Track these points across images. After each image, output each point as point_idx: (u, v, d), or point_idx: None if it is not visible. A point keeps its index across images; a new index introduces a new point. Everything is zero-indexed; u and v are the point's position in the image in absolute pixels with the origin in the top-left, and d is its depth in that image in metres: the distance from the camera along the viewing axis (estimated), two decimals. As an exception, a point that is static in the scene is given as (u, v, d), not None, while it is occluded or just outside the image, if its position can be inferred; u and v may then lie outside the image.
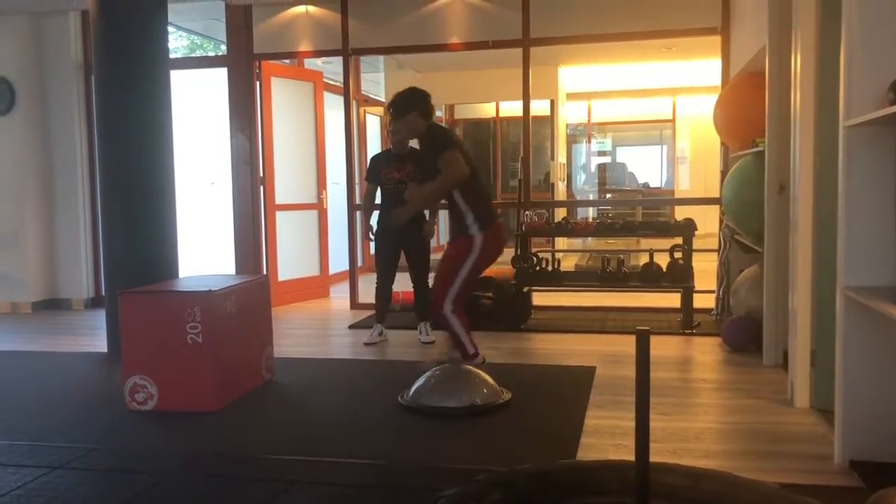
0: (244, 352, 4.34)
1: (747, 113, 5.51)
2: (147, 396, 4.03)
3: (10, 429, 3.80)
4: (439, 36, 6.94)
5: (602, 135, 15.44)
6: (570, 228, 6.44)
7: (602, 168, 13.71)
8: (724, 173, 6.53)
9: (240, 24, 7.18)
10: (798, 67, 3.90)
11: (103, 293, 7.56)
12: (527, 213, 6.42)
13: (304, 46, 7.24)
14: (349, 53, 7.11)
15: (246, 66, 7.24)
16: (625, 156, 15.39)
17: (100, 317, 7.10)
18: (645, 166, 15.14)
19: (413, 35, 6.96)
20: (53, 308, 7.57)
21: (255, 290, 4.48)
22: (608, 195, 13.73)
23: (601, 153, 15.39)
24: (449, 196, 4.42)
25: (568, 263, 9.19)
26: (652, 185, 14.71)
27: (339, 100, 8.60)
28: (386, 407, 4.07)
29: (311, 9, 7.12)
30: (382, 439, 3.64)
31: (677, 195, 13.93)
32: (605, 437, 3.54)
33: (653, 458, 3.23)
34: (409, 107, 4.49)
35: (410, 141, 5.15)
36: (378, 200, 5.74)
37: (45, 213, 7.58)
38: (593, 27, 6.70)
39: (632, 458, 3.22)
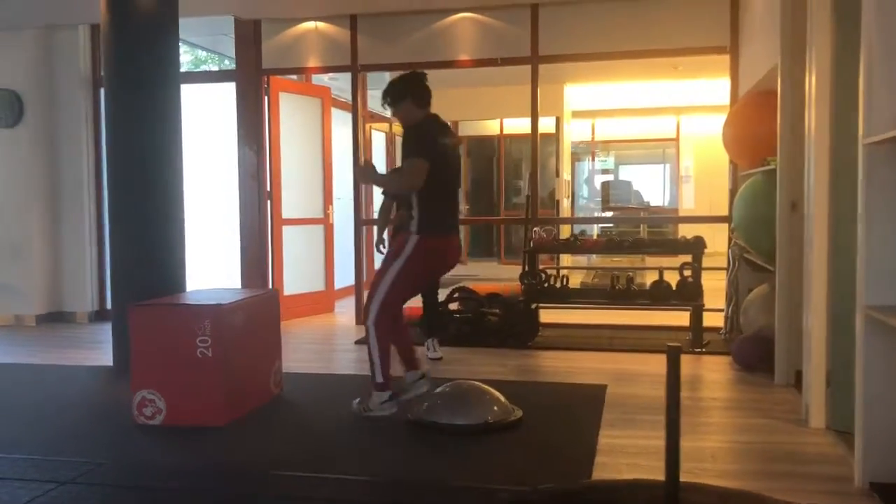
0: (253, 366, 4.31)
1: (757, 131, 5.51)
2: (155, 411, 3.99)
3: (15, 442, 3.76)
4: (448, 53, 6.95)
5: (605, 153, 15.45)
6: (579, 245, 6.41)
7: (606, 185, 13.70)
8: (733, 192, 6.53)
9: (249, 39, 7.20)
10: (813, 86, 3.89)
11: (108, 307, 7.59)
12: (535, 229, 6.40)
13: (312, 62, 7.25)
14: (358, 69, 7.12)
15: (254, 80, 7.24)
16: (627, 174, 15.39)
17: (104, 330, 7.04)
18: (648, 184, 15.14)
19: (422, 52, 6.97)
20: (57, 321, 7.53)
21: (264, 305, 4.45)
22: (610, 213, 13.72)
23: (605, 171, 15.40)
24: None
25: (573, 281, 9.16)
26: (654, 203, 14.70)
27: (345, 115, 8.62)
28: (395, 423, 4.02)
29: (321, 24, 7.14)
30: (393, 456, 3.60)
31: (681, 213, 13.95)
32: (618, 456, 3.50)
33: (631, 475, 3.22)
34: (401, 94, 4.10)
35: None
36: (393, 215, 5.73)
37: (51, 226, 7.56)
38: (602, 45, 6.71)
39: (647, 476, 3.19)
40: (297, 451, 3.64)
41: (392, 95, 4.12)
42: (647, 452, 3.55)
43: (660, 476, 3.31)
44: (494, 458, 3.53)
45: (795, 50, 4.51)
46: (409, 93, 4.08)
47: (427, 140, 4.01)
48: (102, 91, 7.44)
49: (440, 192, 4.06)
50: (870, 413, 3.04)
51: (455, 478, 3.25)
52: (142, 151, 5.27)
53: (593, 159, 15.11)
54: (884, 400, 3.02)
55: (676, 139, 14.20)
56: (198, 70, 8.66)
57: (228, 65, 9.95)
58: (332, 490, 3.11)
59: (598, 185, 14.81)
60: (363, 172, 4.42)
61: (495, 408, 4.01)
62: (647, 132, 14.51)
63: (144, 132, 5.27)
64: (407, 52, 7.02)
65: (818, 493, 3.09)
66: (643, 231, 11.00)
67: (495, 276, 10.82)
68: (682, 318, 6.38)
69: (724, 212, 11.43)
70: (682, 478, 3.23)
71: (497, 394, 4.10)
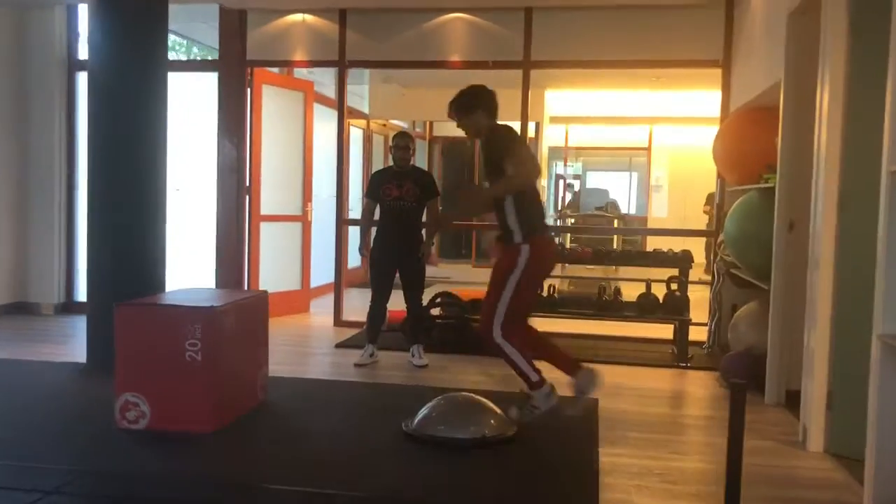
0: (242, 371, 4.16)
1: (750, 147, 5.51)
2: (139, 415, 3.82)
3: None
4: (439, 53, 6.84)
5: (575, 158, 15.47)
6: (568, 255, 6.35)
7: (576, 195, 13.69)
8: (720, 206, 6.53)
9: (234, 29, 7.00)
10: (825, 105, 3.86)
11: (76, 299, 7.35)
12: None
13: (298, 55, 7.08)
14: (346, 65, 6.97)
15: (238, 72, 7.05)
16: (594, 180, 15.46)
17: (73, 323, 6.85)
18: (615, 191, 15.21)
19: (412, 50, 6.85)
20: (21, 312, 7.24)
21: (254, 307, 4.30)
22: (572, 222, 13.69)
23: (575, 176, 15.43)
24: (499, 201, 3.97)
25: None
26: (623, 210, 14.74)
27: (322, 109, 8.47)
28: (388, 434, 3.91)
29: (308, 17, 6.97)
30: (389, 471, 3.48)
31: (650, 222, 14.04)
32: (623, 477, 3.43)
33: (639, 498, 3.16)
34: (474, 104, 4.12)
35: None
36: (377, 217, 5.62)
37: (18, 214, 7.27)
38: (595, 53, 6.65)
39: (654, 500, 3.13)
40: (288, 463, 3.49)
41: (465, 104, 4.13)
42: (651, 473, 3.49)
43: (668, 500, 3.27)
44: (495, 475, 3.44)
45: (799, 68, 4.50)
46: (482, 103, 4.11)
47: (513, 135, 4.06)
48: (79, 75, 7.28)
49: (533, 195, 4.03)
50: (882, 441, 3.01)
51: (456, 499, 3.15)
52: (126, 141, 5.08)
53: (566, 164, 15.12)
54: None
55: (648, 148, 14.27)
56: (180, 59, 8.38)
57: (197, 53, 9.71)
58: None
59: (568, 192, 14.83)
60: (470, 198, 4.39)
61: (492, 421, 3.92)
62: (620, 140, 14.56)
63: (129, 121, 5.09)
64: (396, 49, 6.89)
65: (825, 521, 3.06)
66: (615, 242, 10.97)
67: (468, 279, 10.71)
68: (663, 330, 6.37)
69: (698, 221, 11.66)
70: (645, 499, 3.19)
71: (493, 406, 4.01)
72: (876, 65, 3.33)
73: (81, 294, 7.34)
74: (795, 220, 4.61)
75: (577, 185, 14.03)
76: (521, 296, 3.96)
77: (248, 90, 7.13)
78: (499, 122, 4.14)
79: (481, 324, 4.04)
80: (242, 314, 4.10)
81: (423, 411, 3.97)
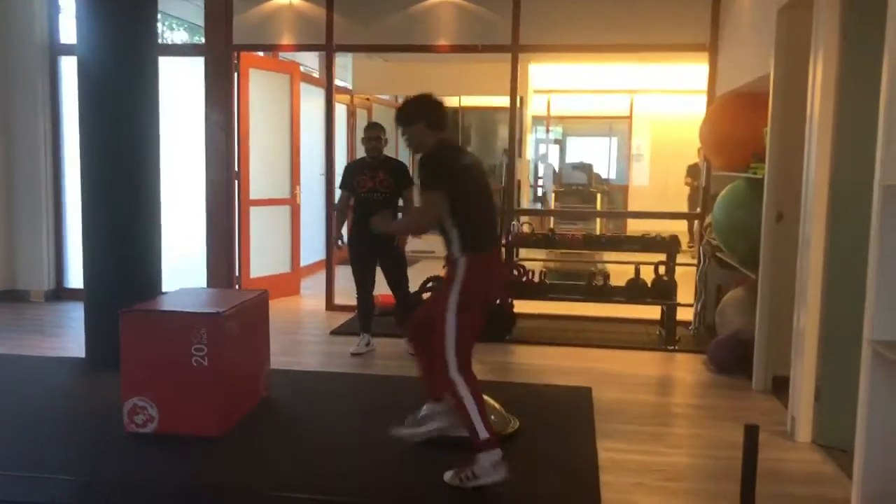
0: (246, 371, 4.23)
1: (737, 133, 5.59)
2: (147, 419, 3.89)
3: (-1, 453, 3.63)
4: (427, 37, 6.82)
5: (555, 125, 15.50)
6: (557, 240, 6.44)
7: (558, 175, 13.71)
8: (706, 189, 6.63)
9: (220, 13, 6.92)
10: (816, 101, 3.93)
11: (66, 285, 7.35)
12: (513, 223, 6.40)
13: (285, 39, 7.03)
14: (333, 49, 6.94)
15: (224, 56, 6.99)
16: (575, 145, 15.48)
17: (65, 311, 6.88)
18: (595, 158, 15.24)
19: (400, 34, 6.82)
20: (11, 300, 7.22)
21: (256, 307, 4.35)
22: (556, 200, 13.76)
23: (556, 141, 15.45)
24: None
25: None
26: (604, 178, 14.80)
27: (308, 88, 8.42)
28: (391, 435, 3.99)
29: (295, 1, 6.91)
30: (394, 472, 3.58)
31: (631, 191, 14.17)
32: (623, 475, 3.55)
33: (639, 497, 3.27)
34: (414, 116, 3.75)
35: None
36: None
37: (4, 200, 7.21)
38: (583, 37, 6.67)
39: (655, 497, 3.25)
40: (295, 465, 3.59)
41: (405, 115, 3.77)
42: (648, 470, 3.62)
43: (668, 499, 3.39)
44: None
45: (790, 63, 4.56)
46: (424, 115, 3.73)
47: (443, 170, 3.64)
48: (62, 59, 7.20)
49: (473, 213, 3.65)
50: (871, 442, 3.14)
51: (456, 498, 3.26)
52: (118, 127, 5.07)
53: (548, 131, 15.12)
54: (885, 429, 3.13)
55: (630, 117, 14.34)
56: (168, 44, 8.29)
57: (176, 28, 9.60)
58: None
59: (556, 164, 14.85)
60: (381, 222, 3.95)
61: (493, 417, 4.02)
62: (602, 110, 14.59)
63: (121, 107, 5.06)
64: (384, 33, 6.87)
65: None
66: (598, 224, 11.04)
67: (455, 253, 10.76)
68: (652, 310, 6.49)
69: (680, 191, 11.79)
70: (646, 497, 3.30)
71: (493, 402, 4.11)
72: (868, 61, 3.43)
73: (72, 280, 7.35)
74: (783, 211, 4.72)
75: (556, 164, 14.05)
76: (467, 317, 3.48)
77: (236, 75, 7.08)
78: (443, 141, 3.76)
79: (438, 359, 3.48)
80: (245, 316, 4.15)
81: (423, 409, 4.06)
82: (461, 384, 3.39)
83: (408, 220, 3.84)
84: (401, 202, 5.60)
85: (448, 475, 3.43)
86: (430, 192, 3.54)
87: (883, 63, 3.06)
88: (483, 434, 3.35)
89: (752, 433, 1.64)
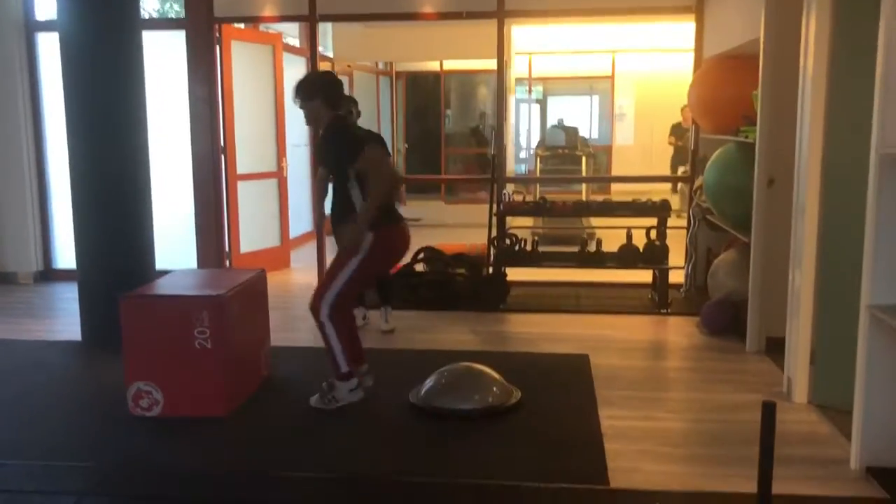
0: (248, 351, 4.24)
1: (726, 95, 5.61)
2: (152, 402, 3.90)
3: (4, 442, 3.62)
4: (411, 4, 6.74)
5: (536, 85, 15.44)
6: (549, 208, 6.45)
7: (541, 141, 13.70)
8: (694, 151, 6.66)
9: (200, -14, 6.80)
10: (810, 51, 3.92)
11: (54, 266, 7.29)
12: (504, 192, 6.40)
13: (267, 10, 6.93)
14: (317, 20, 6.84)
15: (206, 29, 6.87)
16: (556, 105, 15.44)
17: (54, 292, 6.84)
18: (577, 118, 15.22)
19: (383, 2, 6.74)
20: (-1, 282, 7.19)
21: (255, 287, 4.35)
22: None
23: (537, 101, 15.40)
24: (342, 186, 3.96)
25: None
26: (586, 137, 14.80)
27: (292, 59, 8.32)
28: (395, 407, 4.05)
29: (276, -29, 6.81)
30: (400, 449, 3.62)
31: (615, 151, 14.20)
32: (627, 442, 3.61)
33: (644, 464, 3.34)
34: (313, 92, 3.97)
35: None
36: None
37: (-13, 183, 7.13)
38: (568, 2, 6.63)
39: (660, 465, 3.30)
40: (302, 445, 3.63)
41: (304, 90, 3.98)
42: (652, 436, 3.68)
43: (673, 465, 3.45)
44: (501, 448, 3.58)
45: (780, 28, 4.56)
46: (321, 92, 3.97)
47: (361, 133, 4.14)
48: (38, 35, 7.06)
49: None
50: (869, 403, 3.23)
51: (464, 473, 3.31)
52: (104, 102, 5.03)
53: (530, 92, 15.06)
54: (883, 392, 3.21)
55: (612, 76, 14.29)
56: (147, 18, 8.13)
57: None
58: (345, 493, 3.19)
59: (539, 128, 14.81)
60: (357, 234, 3.97)
61: (495, 389, 4.08)
62: (583, 70, 14.54)
63: (105, 85, 5.02)
64: (368, 1, 6.78)
65: (813, 479, 3.23)
66: (584, 190, 11.06)
67: (442, 220, 10.74)
68: (644, 274, 6.53)
69: (664, 151, 11.82)
70: (651, 464, 3.37)
71: (494, 374, 4.16)
72: (862, 21, 3.44)
73: (60, 261, 7.29)
74: (774, 177, 4.76)
75: (537, 128, 14.04)
76: (358, 281, 4.02)
77: (218, 48, 6.97)
78: (337, 118, 4.04)
79: (313, 297, 3.96)
80: (246, 296, 4.15)
81: (427, 383, 4.11)
82: (329, 328, 3.92)
83: (375, 192, 3.87)
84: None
85: (313, 399, 4.04)
86: (370, 148, 3.92)
87: (879, 22, 3.07)
88: (343, 368, 3.98)
89: (769, 410, 1.68)
